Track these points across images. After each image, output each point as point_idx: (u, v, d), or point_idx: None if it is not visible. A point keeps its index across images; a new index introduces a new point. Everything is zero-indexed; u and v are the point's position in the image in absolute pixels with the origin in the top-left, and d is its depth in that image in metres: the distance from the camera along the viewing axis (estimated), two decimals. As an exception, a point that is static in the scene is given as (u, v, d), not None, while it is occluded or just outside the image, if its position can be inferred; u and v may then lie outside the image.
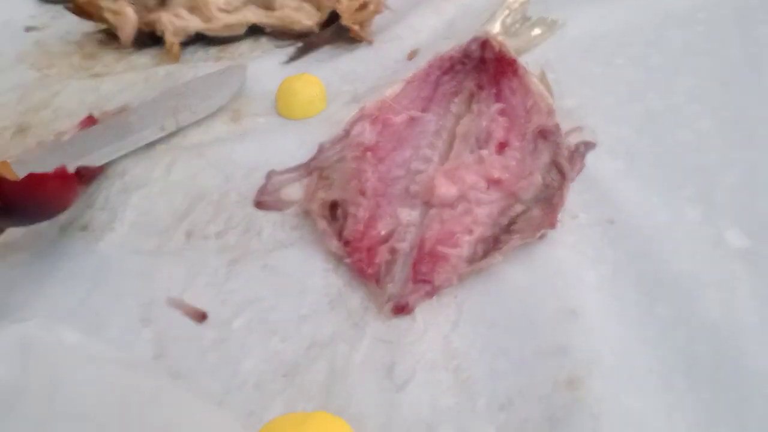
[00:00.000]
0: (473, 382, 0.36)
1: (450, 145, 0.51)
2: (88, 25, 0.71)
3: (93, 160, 0.52)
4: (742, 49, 0.57)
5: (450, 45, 0.60)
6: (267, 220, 0.48)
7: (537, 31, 0.63)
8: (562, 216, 0.44)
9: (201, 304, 0.42)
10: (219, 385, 0.37)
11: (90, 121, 0.56)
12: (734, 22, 0.61)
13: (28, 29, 0.75)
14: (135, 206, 0.50)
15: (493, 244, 0.43)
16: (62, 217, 0.48)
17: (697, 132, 0.50)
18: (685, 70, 0.56)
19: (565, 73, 0.58)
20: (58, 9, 0.74)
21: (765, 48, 0.57)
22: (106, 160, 0.52)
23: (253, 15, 0.67)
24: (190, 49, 0.68)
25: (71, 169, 0.48)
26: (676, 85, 0.55)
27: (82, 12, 0.68)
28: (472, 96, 0.56)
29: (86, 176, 0.50)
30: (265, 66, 0.63)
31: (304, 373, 0.38)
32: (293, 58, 0.64)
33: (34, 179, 0.42)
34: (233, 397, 0.37)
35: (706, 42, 0.59)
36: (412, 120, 0.53)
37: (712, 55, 0.57)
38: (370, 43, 0.65)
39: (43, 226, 0.48)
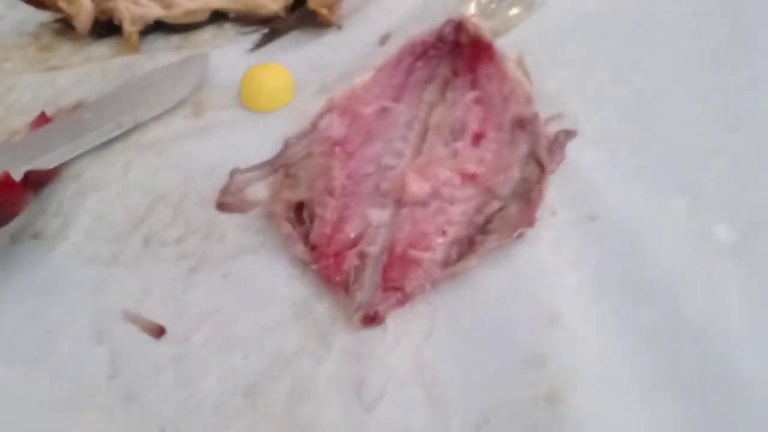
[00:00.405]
0: (447, 398, 0.34)
1: (423, 137, 0.48)
2: (44, 15, 0.67)
3: (46, 162, 0.49)
4: (731, 28, 0.54)
5: (424, 28, 0.56)
6: (230, 223, 0.45)
7: (515, 10, 0.59)
8: (541, 213, 0.42)
9: (158, 318, 0.39)
10: (175, 406, 0.35)
11: (43, 119, 0.53)
12: (722, 1, 0.57)
13: (-19, 20, 0.71)
14: (90, 211, 0.47)
15: (468, 245, 0.41)
16: (13, 225, 0.45)
17: (685, 116, 0.47)
18: (672, 50, 0.53)
19: (545, 55, 0.55)
20: (11, -2, 0.70)
21: (754, 26, 0.54)
22: (60, 162, 0.49)
23: (216, 0, 0.64)
24: (150, 38, 0.64)
25: (20, 173, 0.45)
26: (662, 67, 0.52)
27: (34, 1, 0.64)
28: (446, 83, 0.52)
29: (37, 180, 0.47)
30: (229, 55, 0.60)
31: (267, 393, 0.35)
32: (258, 46, 0.61)
33: (-28, 190, 0.39)
34: (190, 421, 0.35)
35: (693, 21, 0.56)
36: (383, 111, 0.50)
37: (699, 35, 0.54)
38: (339, 27, 0.62)
39: (-8, 234, 0.45)
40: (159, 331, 0.39)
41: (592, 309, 0.37)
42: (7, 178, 0.41)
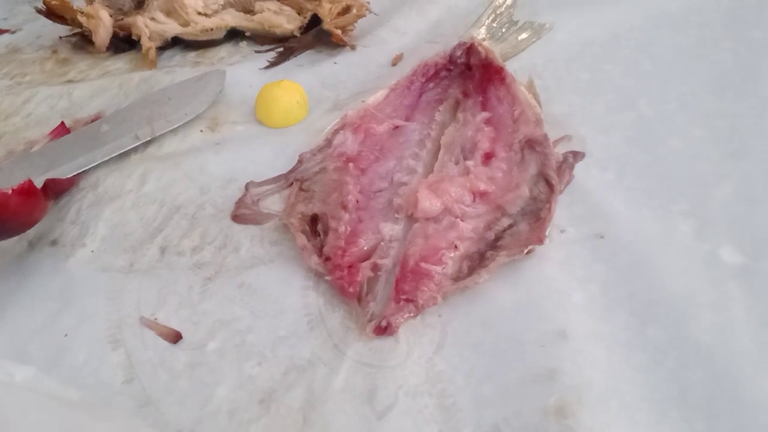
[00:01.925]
0: (458, 409, 0.35)
1: (434, 155, 0.49)
2: (62, 29, 0.69)
3: (64, 172, 0.50)
4: (735, 54, 0.56)
5: (435, 49, 0.58)
6: (245, 234, 0.46)
7: (524, 35, 0.61)
8: (550, 230, 0.43)
9: (174, 325, 0.40)
10: (191, 413, 0.36)
11: (62, 130, 0.54)
12: (726, 26, 0.59)
13: (1, 32, 0.72)
14: (107, 220, 0.48)
15: (479, 260, 0.42)
16: (31, 232, 0.47)
17: (690, 141, 0.48)
18: (677, 76, 0.55)
19: (553, 79, 0.56)
20: (31, 11, 0.71)
21: (758, 52, 0.55)
22: (78, 171, 0.50)
23: (233, 19, 0.65)
24: (167, 53, 0.66)
25: (40, 182, 0.46)
26: (667, 92, 0.53)
27: (54, 15, 0.65)
28: (457, 104, 0.54)
29: (56, 189, 0.48)
30: (245, 71, 0.61)
31: (281, 400, 0.36)
32: (273, 64, 0.62)
33: (-4, 196, 0.40)
34: (206, 427, 0.35)
35: (699, 47, 0.57)
36: (396, 129, 0.51)
37: (704, 61, 0.56)
38: (352, 48, 0.63)
39: (11, 241, 0.46)
40: (175, 337, 0.39)
41: (601, 325, 0.37)
42: (30, 185, 0.42)
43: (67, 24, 0.66)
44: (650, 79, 0.55)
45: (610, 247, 0.42)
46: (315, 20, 0.63)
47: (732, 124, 0.49)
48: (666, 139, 0.49)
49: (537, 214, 0.44)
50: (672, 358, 0.35)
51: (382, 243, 0.43)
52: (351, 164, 0.48)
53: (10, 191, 0.40)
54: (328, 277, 0.41)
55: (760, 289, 0.38)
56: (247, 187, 0.49)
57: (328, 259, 0.42)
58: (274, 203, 0.48)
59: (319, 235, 0.44)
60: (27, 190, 0.42)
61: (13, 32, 0.73)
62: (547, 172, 0.46)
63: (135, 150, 0.53)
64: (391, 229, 0.44)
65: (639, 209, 0.44)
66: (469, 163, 0.47)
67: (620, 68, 0.56)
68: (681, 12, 0.61)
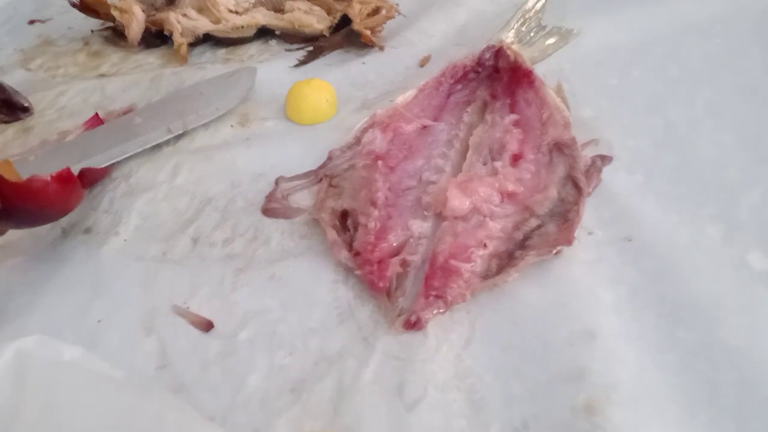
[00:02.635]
0: (486, 404, 0.35)
1: (462, 156, 0.50)
2: (93, 21, 0.70)
3: (98, 162, 0.51)
4: (763, 61, 0.56)
5: (462, 52, 0.59)
6: (275, 228, 0.46)
7: (551, 40, 0.62)
8: (578, 232, 0.43)
9: (206, 315, 0.41)
10: (223, 400, 0.36)
11: (96, 121, 0.55)
12: (754, 33, 0.60)
13: (32, 22, 0.74)
14: (140, 210, 0.48)
15: (507, 260, 0.42)
16: (65, 220, 0.47)
17: (718, 147, 0.49)
18: (705, 82, 0.55)
19: (581, 83, 0.56)
20: (62, 4, 0.73)
21: (787, 61, 0.56)
22: (111, 162, 0.51)
23: (263, 17, 0.66)
24: (198, 50, 0.67)
25: (75, 170, 0.46)
26: (695, 98, 0.53)
27: (88, 9, 0.66)
28: (485, 106, 0.54)
29: (90, 178, 0.49)
30: (275, 69, 0.62)
31: (311, 390, 0.36)
32: (303, 62, 0.63)
33: (36, 182, 0.40)
34: (238, 414, 0.36)
35: (726, 53, 0.58)
36: (424, 129, 0.52)
37: (731, 67, 0.56)
38: (381, 48, 0.64)
39: (45, 227, 0.47)
40: (207, 326, 0.40)
41: (630, 326, 0.38)
42: (68, 173, 0.43)
43: (100, 18, 0.68)
44: (678, 84, 0.55)
45: (639, 249, 0.42)
46: (344, 20, 0.64)
47: (760, 130, 0.50)
48: (694, 144, 0.49)
49: (565, 216, 0.44)
50: (701, 360, 0.36)
51: (411, 240, 0.44)
52: (380, 162, 0.48)
53: (49, 178, 0.41)
54: (357, 272, 0.42)
55: (788, 295, 0.38)
56: (277, 181, 0.49)
57: (357, 254, 0.43)
58: (303, 198, 0.49)
59: (348, 231, 0.45)
60: (65, 178, 0.42)
61: (44, 22, 0.74)
62: (575, 174, 0.46)
63: (167, 143, 0.54)
64: (420, 226, 0.44)
65: (667, 213, 0.44)
66: (497, 164, 0.47)
67: (648, 74, 0.57)
68: (708, 19, 0.62)
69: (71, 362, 0.27)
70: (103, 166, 0.50)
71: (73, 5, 0.67)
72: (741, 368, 0.35)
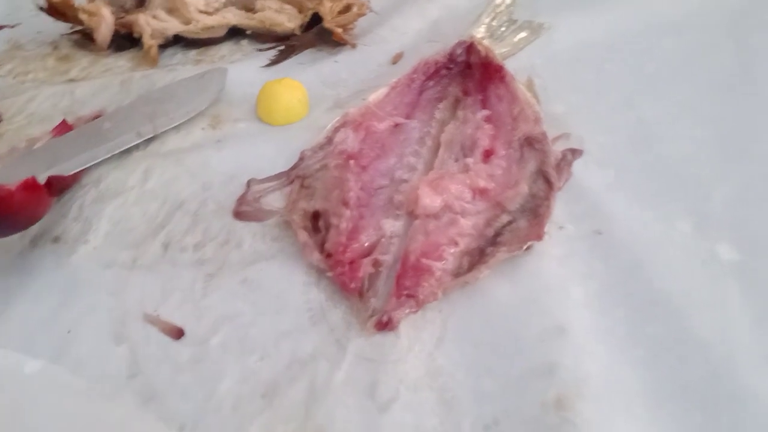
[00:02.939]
0: (458, 402, 0.35)
1: (435, 153, 0.50)
2: (63, 25, 0.69)
3: (67, 168, 0.50)
4: (736, 57, 0.57)
5: (434, 48, 0.58)
6: (247, 231, 0.46)
7: (523, 34, 0.62)
8: (549, 227, 0.43)
9: (177, 321, 0.41)
10: (195, 406, 0.36)
11: (64, 127, 0.55)
12: (727, 29, 0.60)
13: (1, 27, 0.73)
14: (110, 216, 0.48)
15: (478, 257, 0.42)
16: (34, 228, 0.47)
17: (690, 142, 0.49)
18: (678, 78, 0.55)
19: (553, 78, 0.57)
20: (31, 8, 0.72)
21: (758, 56, 0.56)
22: (80, 168, 0.51)
23: (234, 17, 0.66)
24: (169, 51, 0.66)
25: (43, 178, 0.46)
26: (668, 94, 0.54)
27: (56, 12, 0.65)
28: (457, 102, 0.54)
29: (59, 186, 0.49)
30: (246, 69, 0.62)
31: (283, 394, 0.36)
32: (274, 62, 0.63)
33: (0, 191, 0.40)
34: (209, 420, 0.35)
35: (699, 49, 0.58)
36: (396, 127, 0.52)
37: (705, 63, 0.56)
38: (353, 46, 0.64)
39: (14, 237, 0.46)
40: (178, 333, 0.40)
41: (600, 321, 0.38)
42: (34, 182, 0.42)
43: (69, 21, 0.67)
44: (650, 80, 0.55)
45: (609, 244, 0.42)
46: (316, 19, 0.64)
47: (731, 126, 0.50)
48: (666, 140, 0.49)
49: (536, 211, 0.44)
50: (670, 353, 0.36)
51: (383, 239, 0.44)
52: (352, 161, 0.48)
53: (14, 187, 0.41)
54: (329, 273, 0.42)
55: (757, 287, 0.39)
56: (248, 184, 0.49)
57: (329, 255, 0.43)
58: (275, 200, 0.48)
59: (320, 232, 0.45)
60: (31, 186, 0.42)
61: (13, 26, 0.73)
62: (546, 169, 0.46)
63: (137, 147, 0.53)
64: (392, 225, 0.44)
65: (637, 207, 0.44)
66: (469, 160, 0.47)
67: (620, 69, 0.57)
68: (682, 15, 0.62)
69: (33, 375, 0.27)
70: (71, 173, 0.50)
71: (41, 9, 0.66)
72: (709, 360, 0.35)
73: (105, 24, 0.64)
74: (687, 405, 0.34)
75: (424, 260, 0.41)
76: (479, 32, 0.60)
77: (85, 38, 0.68)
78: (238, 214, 0.47)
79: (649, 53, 0.58)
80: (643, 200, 0.45)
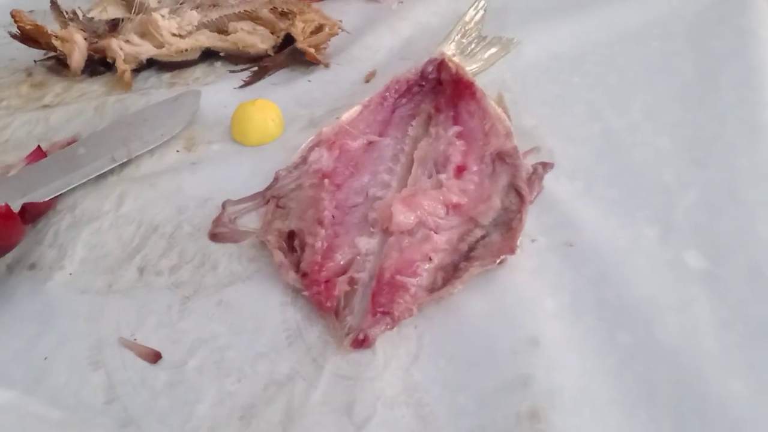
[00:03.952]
0: (434, 418, 0.36)
1: (408, 170, 0.50)
2: (36, 52, 0.69)
3: (41, 195, 0.50)
4: (697, 65, 0.58)
5: (407, 66, 0.59)
6: (222, 252, 0.46)
7: (492, 50, 0.63)
8: (522, 240, 0.44)
9: (154, 345, 0.41)
10: (172, 431, 0.36)
11: (38, 154, 0.54)
12: (688, 38, 0.61)
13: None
14: (85, 242, 0.48)
15: (452, 271, 0.43)
16: (9, 256, 0.47)
17: (655, 150, 0.50)
18: (641, 87, 0.56)
19: (522, 92, 0.58)
20: (3, 35, 0.72)
21: (719, 63, 0.57)
22: (55, 194, 0.51)
23: (207, 39, 0.66)
24: (143, 75, 0.66)
25: (17, 205, 0.46)
26: (632, 103, 0.55)
27: (29, 39, 0.66)
28: (429, 118, 0.55)
29: (33, 213, 0.49)
30: (220, 91, 0.62)
31: (260, 415, 0.37)
32: (248, 83, 0.63)
33: (-27, 221, 0.40)
34: (187, 444, 0.35)
35: (662, 58, 0.59)
36: (370, 144, 0.52)
37: (667, 72, 0.58)
38: (326, 66, 0.64)
39: (-11, 265, 0.46)
40: (155, 357, 0.40)
41: (572, 331, 0.38)
42: (7, 210, 0.42)
43: (42, 48, 0.67)
44: (616, 91, 0.57)
45: (580, 254, 0.43)
46: (288, 39, 0.64)
47: (695, 133, 0.51)
48: (632, 149, 0.50)
49: (509, 225, 0.45)
50: (640, 361, 0.36)
51: (358, 257, 0.44)
52: (326, 180, 0.48)
53: (-11, 216, 0.41)
54: (305, 293, 0.42)
55: (723, 292, 0.40)
56: (224, 205, 0.49)
57: (305, 274, 0.43)
58: (251, 221, 0.49)
59: (296, 251, 0.45)
60: (4, 215, 0.42)
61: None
62: (518, 183, 0.47)
63: (111, 172, 0.53)
64: (367, 243, 0.45)
65: (607, 217, 0.45)
66: (442, 176, 0.48)
67: (587, 81, 0.58)
68: (645, 25, 0.64)
69: (5, 406, 0.27)
70: (46, 199, 0.50)
71: (14, 36, 0.66)
72: (677, 366, 0.36)
73: (78, 50, 0.64)
74: (656, 410, 0.34)
75: (398, 277, 0.42)
76: (450, 49, 0.61)
77: (59, 64, 0.68)
78: (214, 236, 0.47)
79: (613, 63, 0.60)
80: (611, 209, 0.46)
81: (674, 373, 0.36)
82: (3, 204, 0.42)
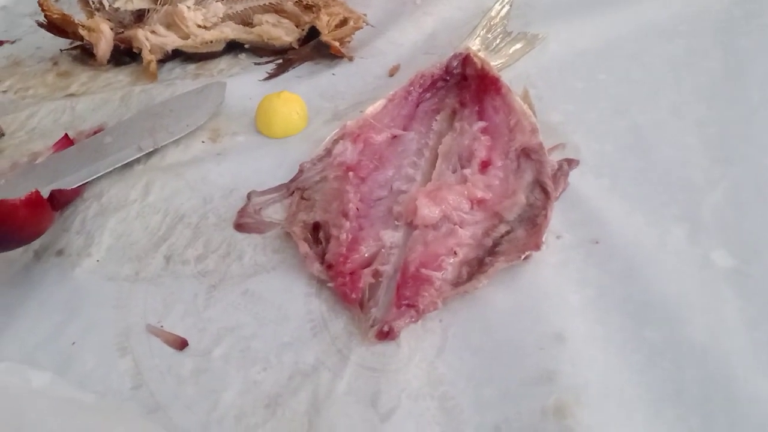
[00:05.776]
0: (459, 411, 0.36)
1: (432, 164, 0.50)
2: (62, 41, 0.70)
3: (69, 183, 0.51)
4: (724, 62, 0.58)
5: (431, 60, 0.59)
6: (247, 243, 0.47)
7: (518, 45, 0.62)
8: (547, 236, 0.44)
9: (180, 333, 0.41)
10: (198, 418, 0.37)
11: (66, 142, 0.55)
12: (715, 35, 0.61)
13: (1, 43, 0.73)
14: (112, 230, 0.48)
15: (477, 266, 0.43)
16: (37, 242, 0.47)
17: (682, 148, 0.50)
18: (668, 84, 0.56)
19: (547, 88, 0.57)
20: (31, 24, 0.72)
21: (746, 60, 0.57)
22: (83, 182, 0.51)
23: (232, 31, 0.66)
24: (168, 66, 0.67)
25: (45, 192, 0.46)
26: (659, 100, 0.55)
27: (55, 28, 0.66)
28: (454, 113, 0.55)
29: (61, 200, 0.49)
30: (245, 83, 0.62)
31: (286, 404, 0.37)
32: (272, 75, 0.63)
33: (4, 206, 0.40)
34: (212, 431, 0.36)
35: (688, 55, 0.59)
36: (394, 138, 0.52)
37: (694, 69, 0.57)
38: (350, 59, 0.64)
39: (18, 251, 0.47)
40: (181, 344, 0.40)
41: (597, 328, 0.38)
42: (38, 196, 0.43)
43: (68, 37, 0.67)
44: (642, 87, 0.56)
45: (605, 251, 0.43)
46: (313, 32, 0.65)
47: (722, 130, 0.51)
48: (658, 146, 0.50)
49: (533, 221, 0.45)
50: (667, 358, 0.36)
51: (382, 250, 0.44)
52: (351, 173, 0.49)
53: (18, 202, 0.41)
54: (330, 284, 0.42)
55: (751, 291, 0.39)
56: (249, 196, 0.50)
57: (330, 266, 0.43)
58: (275, 212, 0.49)
59: (320, 243, 0.45)
60: (34, 201, 0.42)
61: (12, 42, 0.74)
62: (543, 179, 0.47)
63: (138, 161, 0.54)
64: (392, 236, 0.45)
65: (633, 214, 0.45)
66: (467, 171, 0.48)
67: (612, 77, 0.58)
68: (671, 22, 0.63)
69: (40, 389, 0.27)
70: (73, 187, 0.50)
71: (41, 25, 0.67)
72: (705, 365, 0.36)
73: (104, 39, 0.65)
74: (684, 409, 0.34)
75: (423, 270, 0.42)
76: (475, 44, 0.61)
77: (84, 54, 0.68)
78: (239, 227, 0.48)
79: (639, 59, 0.59)
80: (638, 207, 0.45)
81: (702, 372, 0.35)
82: (33, 190, 0.43)
